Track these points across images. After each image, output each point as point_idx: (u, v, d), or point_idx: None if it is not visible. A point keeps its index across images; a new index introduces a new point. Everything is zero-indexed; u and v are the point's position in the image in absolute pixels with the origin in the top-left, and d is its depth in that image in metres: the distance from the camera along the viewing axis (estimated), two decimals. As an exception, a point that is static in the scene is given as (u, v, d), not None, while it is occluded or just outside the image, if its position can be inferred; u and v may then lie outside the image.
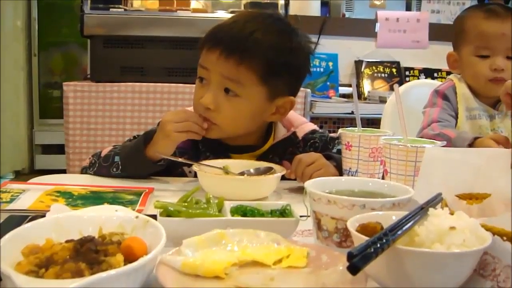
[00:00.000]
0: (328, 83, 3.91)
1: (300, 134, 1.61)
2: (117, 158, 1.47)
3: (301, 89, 3.49)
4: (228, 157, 1.52)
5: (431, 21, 4.10)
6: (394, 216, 0.83)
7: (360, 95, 3.97)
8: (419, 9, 4.29)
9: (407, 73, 4.14)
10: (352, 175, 1.32)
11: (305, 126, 1.64)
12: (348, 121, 3.85)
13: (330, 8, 4.43)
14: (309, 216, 0.98)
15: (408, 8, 4.33)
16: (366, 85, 4.02)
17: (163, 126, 1.40)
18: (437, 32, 4.07)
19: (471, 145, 1.58)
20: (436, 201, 0.92)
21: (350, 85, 4.04)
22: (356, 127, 1.36)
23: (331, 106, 3.57)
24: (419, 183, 1.11)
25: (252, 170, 1.36)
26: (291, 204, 1.05)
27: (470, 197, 1.05)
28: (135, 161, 1.45)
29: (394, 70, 4.11)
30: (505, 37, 1.79)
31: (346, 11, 4.22)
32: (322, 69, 3.95)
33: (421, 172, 1.10)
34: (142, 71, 3.38)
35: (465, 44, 1.87)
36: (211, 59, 1.45)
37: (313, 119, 3.54)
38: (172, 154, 1.52)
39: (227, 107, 1.45)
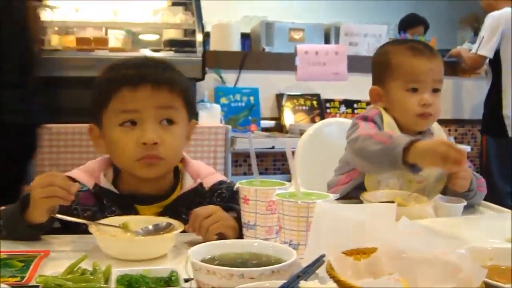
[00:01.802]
0: (250, 117, 3.94)
1: (207, 184, 1.60)
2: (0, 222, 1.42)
3: (221, 125, 3.54)
4: (134, 209, 1.51)
5: (349, 54, 4.21)
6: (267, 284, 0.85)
7: (281, 128, 4.02)
8: (337, 42, 4.40)
9: (327, 105, 4.23)
10: (251, 229, 1.33)
11: (212, 177, 1.63)
12: (271, 155, 3.90)
13: (251, 43, 4.50)
14: (192, 279, 0.98)
15: (327, 41, 4.44)
16: (288, 118, 4.08)
17: (31, 191, 1.35)
18: (355, 64, 4.17)
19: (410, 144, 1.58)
20: (317, 264, 0.94)
21: (272, 119, 4.10)
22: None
23: (253, 142, 3.59)
24: (310, 239, 1.12)
25: (150, 227, 1.35)
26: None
27: (358, 253, 1.07)
28: (17, 227, 1.39)
29: (315, 102, 4.18)
30: (432, 71, 1.87)
31: (266, 45, 4.29)
32: (243, 104, 3.99)
33: (312, 228, 1.12)
34: (59, 112, 3.32)
35: (392, 79, 1.91)
36: (141, 97, 1.46)
37: (235, 155, 3.56)
38: (74, 210, 1.50)
39: (169, 138, 1.48)
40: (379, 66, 1.98)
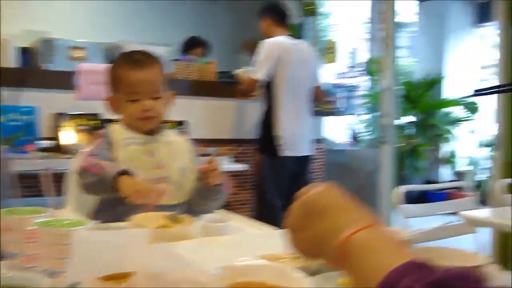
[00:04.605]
0: (27, 137, 3.80)
1: None
2: None
3: (-5, 146, 3.36)
4: None
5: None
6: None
7: (61, 149, 3.93)
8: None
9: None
10: (11, 258, 1.31)
11: None
12: (49, 177, 3.78)
13: (29, 59, 4.34)
14: None
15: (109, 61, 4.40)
16: (68, 138, 3.99)
17: None
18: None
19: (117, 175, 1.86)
20: (69, 291, 0.96)
21: (51, 139, 3.99)
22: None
23: (28, 163, 3.47)
24: (69, 267, 1.14)
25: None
26: None
27: (118, 277, 1.11)
28: None
29: (96, 122, 4.14)
30: (148, 82, 2.07)
31: (45, 63, 4.17)
32: (20, 123, 3.84)
33: (70, 255, 1.13)
34: None
35: (119, 91, 2.10)
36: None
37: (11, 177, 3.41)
38: None
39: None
40: (110, 79, 2.15)
